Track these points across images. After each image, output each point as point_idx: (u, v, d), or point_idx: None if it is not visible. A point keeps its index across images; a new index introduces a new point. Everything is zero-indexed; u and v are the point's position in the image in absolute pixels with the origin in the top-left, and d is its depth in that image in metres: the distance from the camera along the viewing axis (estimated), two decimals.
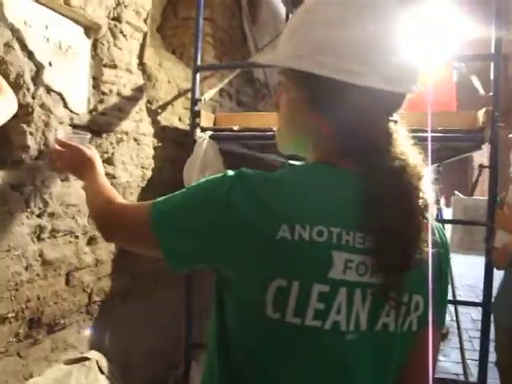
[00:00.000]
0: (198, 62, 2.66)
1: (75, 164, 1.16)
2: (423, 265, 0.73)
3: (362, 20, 0.72)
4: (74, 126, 2.03)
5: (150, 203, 0.80)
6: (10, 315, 1.80)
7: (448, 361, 4.07)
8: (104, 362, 2.22)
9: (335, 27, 0.73)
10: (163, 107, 2.77)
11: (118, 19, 2.30)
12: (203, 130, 2.58)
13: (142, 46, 2.55)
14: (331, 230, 0.69)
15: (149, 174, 2.67)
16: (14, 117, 1.77)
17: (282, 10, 5.02)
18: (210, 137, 2.50)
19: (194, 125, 2.59)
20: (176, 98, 2.91)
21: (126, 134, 2.42)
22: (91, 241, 2.25)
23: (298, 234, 0.68)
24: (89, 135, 1.25)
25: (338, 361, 0.73)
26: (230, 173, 0.75)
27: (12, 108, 1.30)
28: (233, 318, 0.76)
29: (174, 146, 2.88)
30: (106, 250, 2.36)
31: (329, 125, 0.77)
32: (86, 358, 2.16)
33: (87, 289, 2.26)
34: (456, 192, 4.29)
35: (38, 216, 1.91)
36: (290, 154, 0.89)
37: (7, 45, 1.70)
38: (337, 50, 0.71)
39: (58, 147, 1.16)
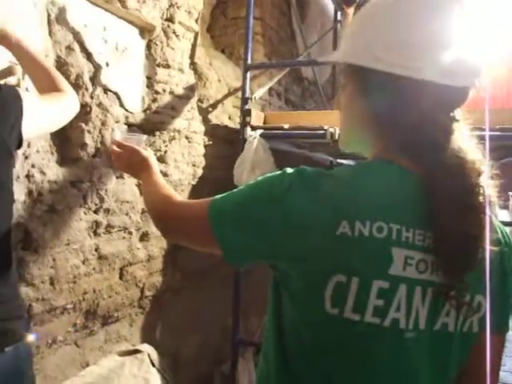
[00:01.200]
0: (249, 61, 2.68)
1: (132, 164, 1.20)
2: (485, 264, 0.71)
3: (420, 16, 0.73)
4: (129, 125, 2.10)
5: (208, 200, 0.81)
6: (68, 306, 1.89)
7: (503, 370, 3.92)
8: (155, 355, 2.28)
9: (391, 24, 0.74)
10: (214, 106, 2.81)
11: (170, 20, 2.36)
12: (253, 128, 2.59)
13: (194, 46, 2.60)
14: (391, 227, 0.69)
15: (200, 171, 2.71)
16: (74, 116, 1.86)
17: (331, 6, 4.97)
18: (261, 135, 2.52)
19: (244, 123, 2.61)
20: (226, 96, 2.94)
21: (178, 132, 2.47)
22: (144, 237, 2.32)
23: (358, 230, 0.68)
24: (145, 136, 1.29)
25: (396, 359, 0.72)
26: (290, 170, 0.76)
27: (75, 108, 1.35)
28: (290, 314, 0.76)
29: (224, 144, 2.92)
30: (158, 246, 2.42)
31: (386, 121, 0.77)
32: (139, 351, 2.22)
33: (139, 283, 2.33)
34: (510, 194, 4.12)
35: (95, 212, 1.99)
36: (340, 154, 0.90)
37: (68, 47, 1.77)
38: (392, 45, 0.72)
39: (115, 148, 1.20)
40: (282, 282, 0.77)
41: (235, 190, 0.81)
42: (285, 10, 4.04)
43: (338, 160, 3.87)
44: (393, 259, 0.69)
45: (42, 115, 1.18)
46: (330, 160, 3.91)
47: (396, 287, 0.69)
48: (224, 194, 0.81)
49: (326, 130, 2.37)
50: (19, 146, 1.09)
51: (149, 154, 1.19)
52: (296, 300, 0.75)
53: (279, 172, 0.77)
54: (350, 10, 3.44)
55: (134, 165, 1.19)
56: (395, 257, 0.69)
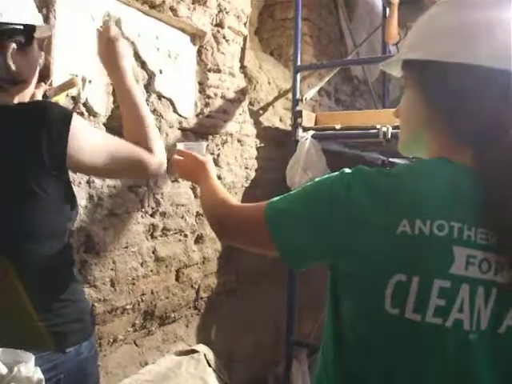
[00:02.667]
0: (298, 63, 2.68)
1: (191, 171, 1.24)
2: None
3: (475, 9, 0.74)
4: (183, 130, 2.15)
5: (265, 202, 0.82)
6: (128, 307, 1.95)
7: None
8: (211, 356, 2.32)
9: (445, 19, 0.76)
10: (264, 108, 2.83)
11: (220, 25, 2.40)
12: (305, 129, 2.59)
13: (243, 50, 2.63)
14: (452, 225, 0.68)
15: (252, 174, 2.74)
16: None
17: (379, 2, 4.88)
18: (312, 136, 2.51)
19: (295, 125, 2.61)
20: (276, 98, 2.95)
21: (231, 135, 2.51)
22: (199, 239, 2.36)
23: (419, 228, 0.67)
24: (205, 144, 1.31)
25: (458, 361, 0.70)
26: (348, 170, 0.76)
27: (152, 172, 1.17)
28: (349, 315, 0.76)
29: (275, 146, 2.93)
30: (212, 249, 2.46)
31: (443, 116, 0.76)
32: (195, 351, 2.27)
33: (195, 285, 2.37)
34: None
35: (151, 215, 2.05)
36: (392, 152, 0.89)
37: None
38: (447, 36, 0.73)
39: (177, 157, 1.24)
40: (340, 281, 0.77)
41: (292, 192, 0.82)
42: (332, 9, 4.02)
43: (391, 159, 3.80)
44: (454, 258, 0.67)
45: (103, 156, 1.03)
46: (382, 159, 3.84)
47: (458, 287, 0.68)
48: (282, 196, 0.82)
49: (378, 128, 2.33)
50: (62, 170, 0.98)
51: (207, 160, 1.22)
52: (355, 300, 0.74)
53: (337, 172, 0.77)
54: (395, 2, 3.37)
55: (193, 171, 1.23)
56: (456, 256, 0.68)
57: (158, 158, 1.13)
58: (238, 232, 0.92)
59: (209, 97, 2.33)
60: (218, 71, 2.39)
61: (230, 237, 0.97)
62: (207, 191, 1.10)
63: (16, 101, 1.04)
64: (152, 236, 2.06)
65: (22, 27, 1.00)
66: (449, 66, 0.72)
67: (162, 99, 2.04)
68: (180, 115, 2.14)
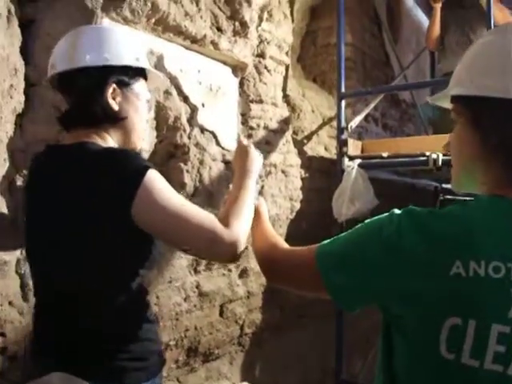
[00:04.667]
0: (342, 90, 2.69)
1: None
2: None
3: None
4: (226, 163, 2.20)
5: (315, 246, 0.84)
6: (171, 343, 1.98)
7: None
8: None
9: (498, 50, 0.76)
10: (308, 137, 2.85)
11: (261, 55, 2.46)
12: (351, 158, 2.58)
13: (285, 79, 2.68)
14: (509, 267, 0.67)
15: (297, 205, 2.74)
16: (173, 156, 1.99)
17: (425, 21, 4.86)
18: (359, 165, 2.50)
19: (341, 154, 2.61)
20: (321, 127, 2.98)
21: (275, 166, 2.54)
22: (243, 273, 2.38)
23: (473, 270, 0.67)
24: (258, 186, 1.33)
25: None
26: (397, 211, 0.77)
27: (219, 252, 1.04)
28: (403, 357, 0.76)
29: (321, 176, 2.94)
30: (257, 283, 2.47)
31: (498, 153, 0.76)
32: None
33: (239, 320, 2.38)
34: None
35: None
36: (446, 178, 0.89)
37: (166, 92, 1.92)
38: (498, 71, 0.74)
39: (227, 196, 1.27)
40: (393, 324, 0.77)
41: (342, 234, 0.84)
42: (376, 32, 4.04)
43: (444, 185, 3.72)
44: None
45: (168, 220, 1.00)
46: (435, 186, 3.77)
47: None
48: (331, 239, 0.84)
49: (427, 156, 2.30)
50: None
51: (260, 202, 1.25)
52: (409, 343, 0.74)
53: (387, 214, 0.78)
54: (438, 5, 3.34)
55: None
56: None
57: (233, 236, 0.99)
58: (289, 276, 0.94)
59: (251, 128, 2.38)
60: (261, 102, 2.44)
61: (281, 280, 0.99)
62: (259, 236, 1.13)
63: (116, 139, 1.12)
64: (195, 270, 2.09)
65: (124, 68, 1.09)
66: (504, 101, 0.72)
67: (205, 132, 2.10)
68: (223, 148, 2.19)
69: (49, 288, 1.10)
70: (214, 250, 1.01)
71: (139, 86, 1.15)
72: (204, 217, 1.01)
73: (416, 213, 0.75)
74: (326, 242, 0.84)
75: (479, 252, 0.68)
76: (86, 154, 1.03)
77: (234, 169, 1.24)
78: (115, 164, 0.99)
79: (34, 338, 1.17)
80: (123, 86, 1.10)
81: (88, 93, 1.08)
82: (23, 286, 1.43)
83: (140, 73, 1.15)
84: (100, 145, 1.07)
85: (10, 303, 1.39)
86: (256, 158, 1.23)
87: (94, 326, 1.03)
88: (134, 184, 0.97)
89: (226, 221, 1.02)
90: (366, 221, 0.81)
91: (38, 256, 1.11)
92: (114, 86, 1.08)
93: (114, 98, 1.08)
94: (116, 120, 1.10)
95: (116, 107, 1.09)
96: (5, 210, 1.44)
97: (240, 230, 1.02)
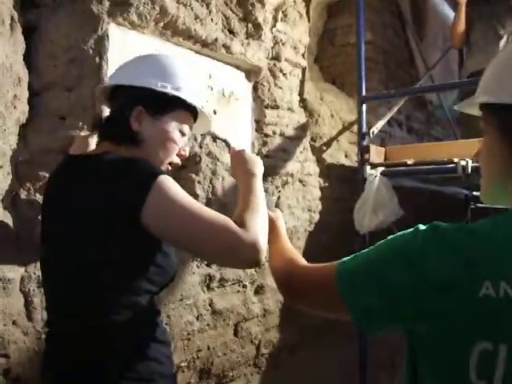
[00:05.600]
0: (363, 93, 2.69)
1: None
2: None
3: None
4: None
5: (335, 263, 0.85)
6: (183, 364, 1.99)
7: None
8: None
9: None
10: (328, 144, 2.85)
11: (276, 58, 2.48)
12: (373, 166, 2.57)
13: (302, 82, 2.70)
14: None
15: (316, 217, 2.75)
16: (183, 167, 2.01)
17: (452, 16, 4.84)
18: (382, 173, 2.49)
19: (362, 161, 2.60)
20: (340, 132, 2.98)
21: (291, 175, 2.55)
22: (259, 290, 2.38)
23: (504, 291, 0.67)
24: (274, 198, 1.35)
25: None
26: (422, 226, 0.77)
27: (237, 255, 1.04)
28: (430, 382, 0.76)
29: (341, 185, 2.94)
30: (274, 300, 2.47)
31: None
32: None
33: (255, 340, 2.38)
34: None
35: (207, 265, 2.10)
36: (476, 185, 0.89)
37: None
38: None
39: None
40: (419, 348, 0.77)
41: (363, 252, 0.84)
42: (399, 29, 4.03)
43: (475, 193, 3.68)
44: None
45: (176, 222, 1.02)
46: (465, 193, 3.73)
47: None
48: (352, 256, 0.84)
49: (456, 163, 2.29)
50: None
51: (276, 215, 1.26)
52: (436, 368, 0.74)
53: (411, 230, 0.78)
54: (463, 0, 3.33)
55: None
56: None
57: (252, 237, 0.99)
58: (307, 295, 0.95)
59: (267, 135, 2.40)
60: (276, 107, 2.46)
61: (299, 299, 0.99)
62: (276, 251, 1.14)
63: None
64: (208, 287, 2.11)
65: (157, 95, 1.15)
66: None
67: (217, 141, 2.12)
68: None
69: (58, 304, 1.14)
70: (234, 253, 1.01)
71: (173, 116, 1.19)
72: (219, 219, 1.01)
73: (442, 229, 0.75)
74: (346, 259, 0.84)
75: (510, 272, 0.68)
76: (102, 162, 1.08)
77: (236, 178, 1.27)
78: (127, 170, 1.04)
79: (43, 353, 1.21)
80: (152, 111, 1.16)
81: (120, 108, 1.17)
82: (27, 305, 1.46)
83: (180, 103, 1.18)
84: (117, 154, 1.11)
85: (14, 323, 1.42)
86: (255, 159, 1.25)
87: (100, 344, 1.06)
88: (144, 188, 0.99)
89: (241, 223, 1.02)
90: (389, 237, 0.81)
91: (49, 266, 1.16)
92: (141, 108, 1.14)
93: (138, 120, 1.14)
94: (134, 141, 1.15)
95: (136, 128, 1.14)
96: (10, 225, 1.48)
97: (258, 231, 1.02)
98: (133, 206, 0.99)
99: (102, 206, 1.03)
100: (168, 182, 1.03)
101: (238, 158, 1.26)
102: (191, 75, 1.26)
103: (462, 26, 3.38)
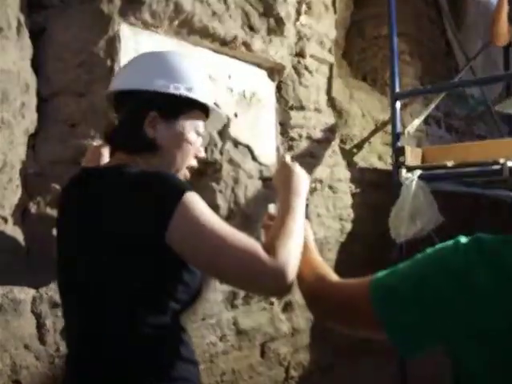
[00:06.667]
0: (397, 89, 2.67)
1: None
2: None
3: None
4: (264, 180, 2.21)
5: (369, 278, 0.84)
6: None
7: None
8: None
9: None
10: (359, 146, 2.84)
11: (301, 54, 2.48)
12: (410, 169, 2.55)
13: (329, 79, 2.69)
14: None
15: (348, 226, 2.73)
16: (203, 175, 2.02)
17: (495, 2, 4.78)
18: (419, 177, 2.47)
19: (397, 164, 2.57)
20: (373, 133, 2.96)
21: (320, 181, 2.54)
22: (287, 307, 2.37)
23: None
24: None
25: None
26: (464, 239, 0.76)
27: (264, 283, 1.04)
28: None
29: (375, 190, 2.92)
30: (303, 317, 2.46)
31: None
32: None
33: (284, 361, 2.37)
34: None
35: None
36: None
37: None
38: None
39: (267, 222, 1.28)
40: (464, 368, 0.76)
41: (399, 266, 0.83)
42: (435, 19, 4.00)
43: None
44: None
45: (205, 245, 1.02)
46: None
47: None
48: (387, 271, 0.83)
49: (502, 164, 2.25)
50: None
51: (304, 227, 1.25)
52: None
53: (451, 242, 0.77)
54: None
55: None
56: None
57: (279, 266, 0.98)
58: (338, 312, 0.94)
59: (292, 139, 2.40)
60: (302, 108, 2.46)
61: (329, 317, 0.99)
62: (304, 265, 1.13)
63: (155, 167, 1.15)
64: (232, 305, 2.10)
65: (170, 97, 1.15)
66: None
67: (239, 146, 2.12)
68: (260, 163, 2.21)
69: (80, 327, 1.14)
70: (256, 282, 1.01)
71: (187, 117, 1.20)
72: (246, 243, 1.01)
73: (485, 242, 0.74)
74: (380, 273, 0.84)
75: None
76: (120, 178, 1.09)
77: (277, 189, 1.25)
78: (151, 187, 1.04)
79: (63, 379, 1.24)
80: (166, 115, 1.16)
81: (130, 115, 1.17)
82: (40, 327, 1.47)
83: (193, 103, 1.19)
84: (136, 167, 1.12)
85: (26, 347, 1.44)
86: (304, 177, 1.24)
87: (129, 366, 1.07)
88: (170, 206, 1.00)
89: (271, 249, 1.01)
90: (428, 250, 0.80)
91: (70, 290, 1.17)
92: (155, 113, 1.14)
93: (152, 126, 1.15)
94: (151, 148, 1.16)
95: (152, 135, 1.15)
96: (20, 242, 1.50)
97: (288, 260, 1.01)
98: (157, 226, 1.00)
99: (125, 228, 1.03)
100: (194, 200, 1.03)
101: (288, 170, 1.24)
102: (198, 70, 1.26)
103: (504, 22, 3.31)
